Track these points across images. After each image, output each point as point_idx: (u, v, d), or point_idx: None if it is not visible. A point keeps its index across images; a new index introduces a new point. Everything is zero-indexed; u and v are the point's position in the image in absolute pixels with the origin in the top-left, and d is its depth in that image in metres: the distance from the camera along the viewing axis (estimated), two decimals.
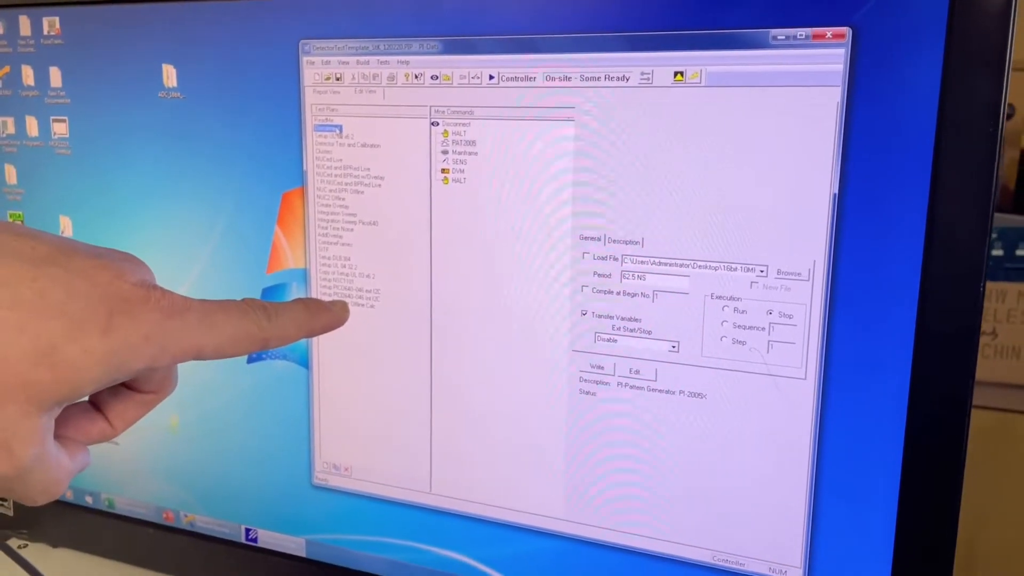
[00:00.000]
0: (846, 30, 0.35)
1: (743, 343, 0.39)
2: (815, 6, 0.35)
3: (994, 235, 0.89)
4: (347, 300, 0.46)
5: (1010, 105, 1.07)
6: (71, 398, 0.25)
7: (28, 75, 0.52)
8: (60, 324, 0.23)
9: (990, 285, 0.86)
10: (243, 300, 0.28)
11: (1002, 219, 0.95)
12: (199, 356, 0.27)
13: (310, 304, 0.30)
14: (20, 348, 0.23)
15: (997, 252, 0.90)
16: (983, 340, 0.87)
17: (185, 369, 0.51)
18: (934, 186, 0.34)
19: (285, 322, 0.29)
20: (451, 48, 0.42)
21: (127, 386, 0.28)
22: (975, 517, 0.76)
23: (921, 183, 0.35)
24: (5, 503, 0.58)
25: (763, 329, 0.38)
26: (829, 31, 0.35)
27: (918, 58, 0.34)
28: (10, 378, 0.23)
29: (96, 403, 0.28)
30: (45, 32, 0.51)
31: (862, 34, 0.35)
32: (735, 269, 0.38)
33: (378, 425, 0.47)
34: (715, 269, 0.38)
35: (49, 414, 0.25)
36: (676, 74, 0.38)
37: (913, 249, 0.35)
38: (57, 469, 0.26)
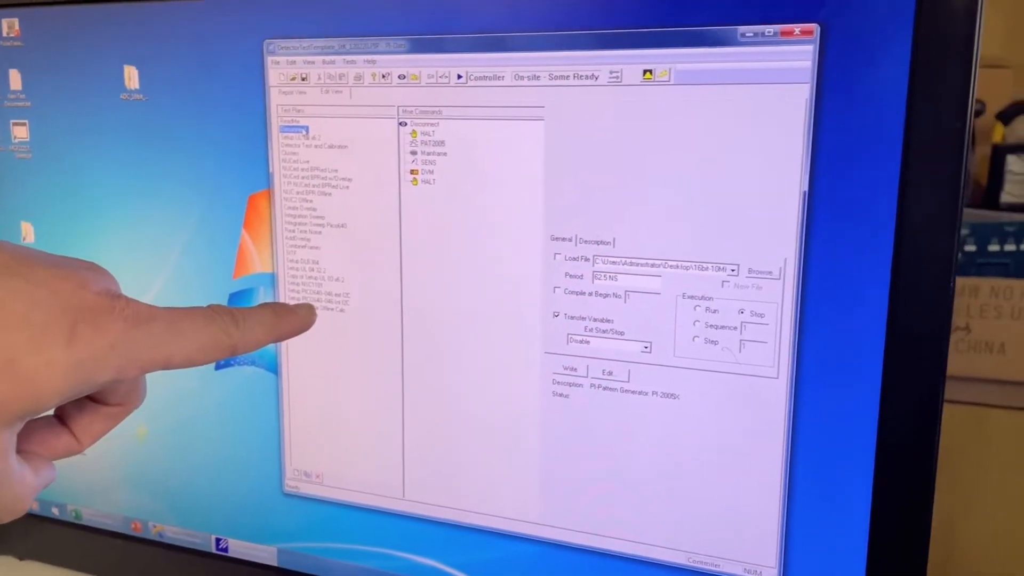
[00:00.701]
0: (814, 27, 0.35)
1: (715, 343, 0.38)
2: (783, 3, 0.35)
3: (966, 231, 0.90)
4: (316, 304, 0.45)
5: (980, 102, 1.09)
6: (34, 412, 0.24)
7: None
8: (21, 336, 0.23)
9: (963, 281, 0.86)
10: (209, 307, 0.28)
11: (974, 215, 0.96)
12: (167, 366, 0.26)
13: (277, 308, 0.30)
14: None
15: (970, 248, 0.91)
16: (956, 335, 0.87)
17: (152, 377, 0.50)
18: (903, 183, 0.34)
19: (253, 327, 0.28)
20: (418, 47, 0.41)
21: (93, 399, 0.27)
22: (951, 510, 0.77)
23: (890, 180, 0.34)
24: None
25: (735, 328, 0.38)
26: (797, 28, 0.35)
27: (886, 54, 0.34)
28: None
29: (61, 417, 0.27)
30: (4, 34, 0.50)
31: (830, 31, 0.35)
32: (706, 268, 0.38)
33: (350, 431, 0.46)
34: (686, 268, 0.38)
35: (11, 429, 0.24)
36: (645, 72, 0.37)
37: (883, 246, 0.35)
38: (21, 485, 0.25)
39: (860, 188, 0.35)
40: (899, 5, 0.33)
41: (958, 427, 0.82)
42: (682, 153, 0.37)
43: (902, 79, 0.34)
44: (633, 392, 0.40)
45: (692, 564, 0.41)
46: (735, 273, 0.37)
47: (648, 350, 0.40)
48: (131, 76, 0.47)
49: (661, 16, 0.37)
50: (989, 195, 1.05)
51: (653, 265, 0.39)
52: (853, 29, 0.34)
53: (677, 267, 0.38)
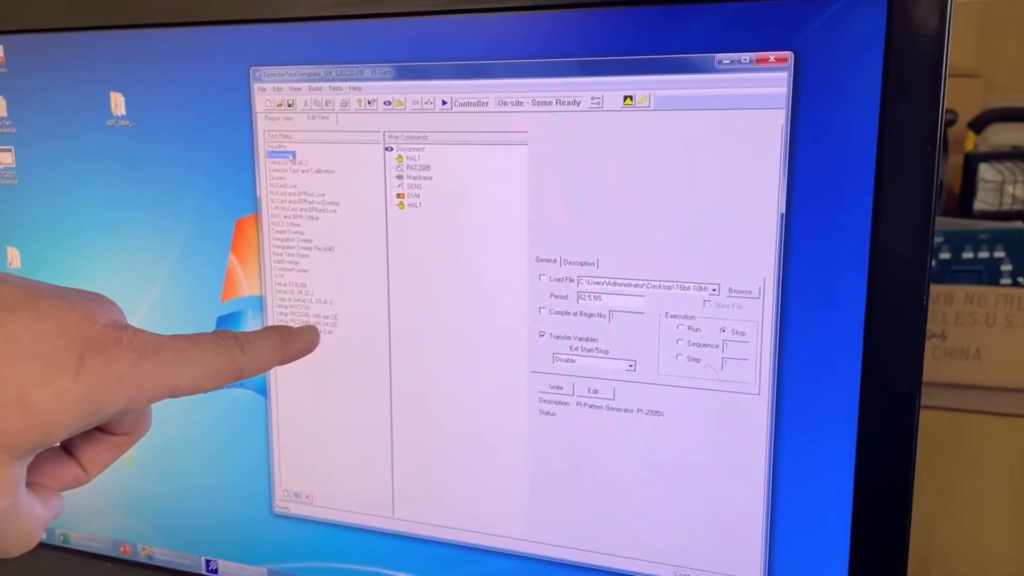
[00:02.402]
0: (788, 54, 0.36)
1: (698, 360, 0.39)
2: (758, 31, 0.36)
3: (941, 239, 0.92)
4: None
5: (952, 111, 1.11)
6: (44, 444, 0.24)
7: None
8: (31, 369, 0.23)
9: (938, 288, 0.88)
10: (215, 332, 0.28)
11: (948, 223, 0.98)
12: (175, 393, 0.26)
13: (282, 332, 0.30)
14: None
15: (944, 255, 0.92)
16: (933, 342, 0.89)
17: None
18: (876, 204, 0.35)
19: (259, 352, 0.29)
20: (404, 74, 0.42)
21: (100, 429, 0.28)
22: (929, 516, 0.78)
23: (864, 201, 0.36)
24: None
25: (717, 346, 0.39)
26: (772, 55, 0.36)
27: (858, 81, 0.35)
28: None
29: (68, 448, 0.28)
30: None
31: (804, 58, 0.36)
32: (688, 288, 0.39)
33: (339, 451, 0.47)
34: (669, 288, 0.39)
35: (21, 462, 0.24)
36: (626, 98, 0.38)
37: (859, 265, 0.36)
38: (31, 519, 0.25)
39: (835, 209, 0.36)
40: (870, 33, 0.35)
41: (936, 433, 0.83)
42: (663, 176, 0.38)
43: (874, 104, 0.35)
44: (618, 409, 0.41)
45: None
46: (716, 293, 0.38)
47: (633, 368, 0.40)
48: (117, 102, 0.48)
49: (641, 44, 0.38)
50: (963, 203, 1.07)
51: (636, 285, 0.40)
52: (826, 57, 0.35)
53: (660, 287, 0.39)
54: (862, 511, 0.38)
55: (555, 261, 0.41)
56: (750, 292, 0.38)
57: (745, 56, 0.36)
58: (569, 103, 0.39)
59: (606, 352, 0.41)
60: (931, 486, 0.78)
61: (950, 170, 1.10)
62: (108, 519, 0.53)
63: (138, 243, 0.49)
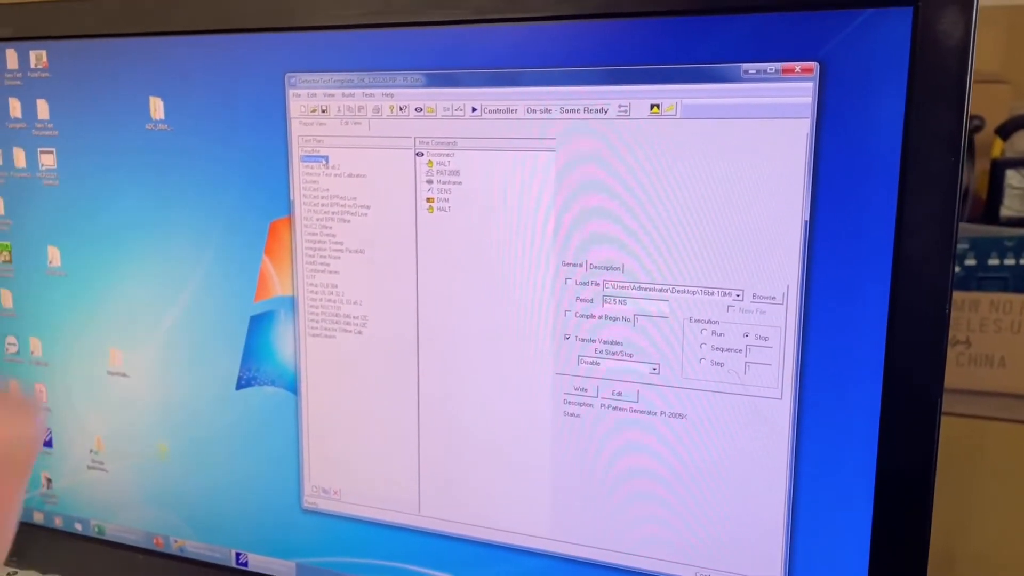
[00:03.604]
0: (814, 65, 0.36)
1: (721, 365, 0.40)
2: (784, 42, 0.37)
3: (966, 245, 0.91)
4: (335, 326, 0.47)
5: (979, 117, 1.10)
6: None
7: (15, 107, 0.53)
8: None
9: (963, 295, 0.87)
10: None
11: (974, 229, 0.97)
12: None
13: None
14: None
15: (970, 262, 0.91)
16: (957, 349, 0.88)
17: (172, 395, 0.52)
18: (900, 212, 0.36)
19: None
20: (434, 81, 0.43)
21: None
22: (951, 522, 0.77)
23: (888, 209, 0.36)
24: None
25: (740, 351, 0.39)
26: (798, 66, 0.37)
27: (883, 91, 0.36)
28: None
29: None
30: (32, 65, 0.52)
31: (829, 68, 0.36)
32: (712, 294, 0.39)
33: (367, 449, 0.48)
34: (693, 294, 0.40)
35: None
36: (652, 107, 0.39)
37: (882, 272, 0.37)
38: None
39: (859, 217, 0.37)
40: (895, 44, 0.35)
41: (958, 440, 0.82)
42: (688, 183, 0.39)
43: (898, 114, 0.35)
44: (642, 412, 0.42)
45: None
46: (740, 298, 0.39)
47: (656, 371, 0.41)
48: (156, 107, 0.49)
49: (668, 54, 0.38)
50: (989, 209, 1.06)
51: (661, 290, 0.40)
52: (851, 67, 0.36)
53: (684, 292, 0.40)
54: (882, 515, 0.38)
55: (581, 265, 0.42)
56: (773, 298, 0.39)
57: (771, 66, 0.37)
58: (597, 111, 0.40)
59: (630, 355, 0.41)
60: (953, 493, 0.77)
61: (976, 176, 1.09)
62: (142, 512, 0.55)
63: (174, 243, 0.50)
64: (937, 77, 0.35)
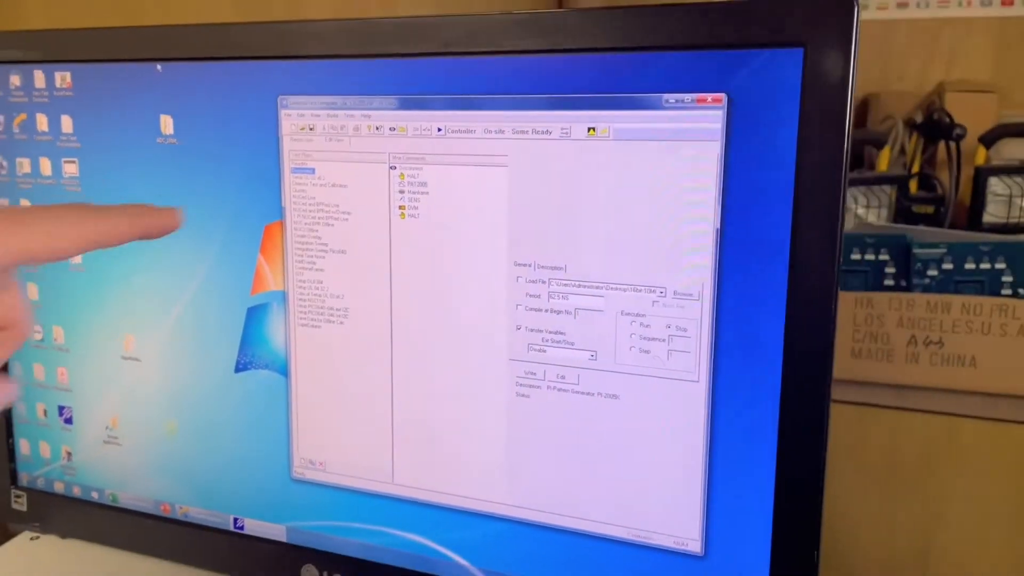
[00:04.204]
0: (723, 95, 0.43)
1: (648, 352, 0.46)
2: (698, 76, 0.43)
3: (943, 250, 0.96)
4: (320, 317, 0.53)
5: (961, 126, 1.15)
6: None
7: (42, 122, 0.59)
8: None
9: (936, 297, 0.92)
10: (72, 204, 0.30)
11: (952, 235, 1.02)
12: (29, 257, 0.28)
13: (143, 206, 0.32)
14: None
15: (947, 266, 0.96)
16: (931, 349, 0.93)
17: (179, 377, 0.58)
18: (795, 220, 0.42)
19: (115, 217, 0.30)
20: (406, 105, 0.49)
21: None
22: (927, 520, 0.81)
23: (784, 218, 0.42)
24: (20, 499, 0.66)
25: (664, 340, 0.46)
26: (709, 96, 0.43)
27: (780, 118, 0.42)
28: None
29: None
30: (57, 85, 0.58)
31: (736, 99, 0.43)
32: (640, 291, 0.46)
33: (347, 425, 0.54)
34: (624, 291, 0.46)
35: None
36: (589, 129, 0.45)
37: (780, 272, 0.43)
38: None
39: (761, 225, 0.43)
40: (789, 80, 0.41)
41: (932, 437, 0.86)
42: (620, 195, 0.45)
43: (792, 137, 0.42)
44: (582, 393, 0.48)
45: (632, 538, 0.48)
46: (663, 295, 0.45)
47: (594, 358, 0.47)
48: (166, 123, 0.56)
49: (602, 85, 0.45)
50: (972, 216, 1.11)
51: (597, 287, 0.47)
52: (754, 98, 0.42)
53: (617, 289, 0.46)
54: (783, 478, 0.45)
55: (530, 265, 0.48)
56: (691, 295, 0.45)
57: (687, 96, 0.43)
58: (543, 132, 0.46)
59: (572, 344, 0.48)
60: (928, 488, 0.81)
61: (961, 183, 1.14)
62: (151, 482, 0.61)
63: (181, 242, 0.57)
64: (823, 106, 0.41)
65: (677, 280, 0.45)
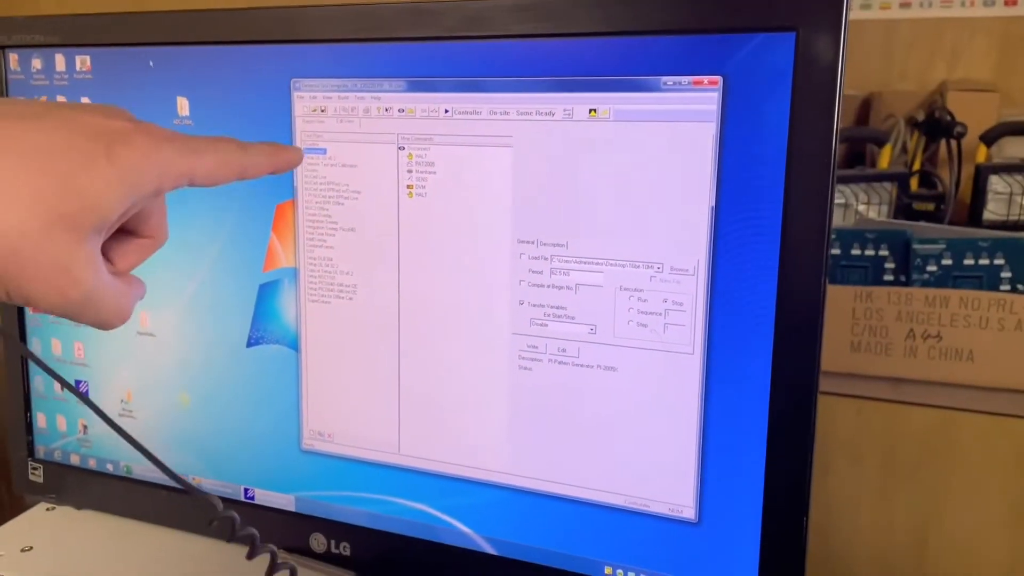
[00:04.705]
0: (719, 78, 0.45)
1: (645, 326, 0.48)
2: (695, 59, 0.45)
3: (943, 246, 0.98)
4: (330, 293, 0.55)
5: (962, 124, 1.16)
6: (102, 223, 0.28)
7: None
8: (72, 162, 0.27)
9: (935, 292, 0.93)
10: (219, 137, 0.33)
11: (952, 231, 1.04)
12: (193, 178, 0.31)
13: (275, 144, 0.36)
14: (49, 187, 0.27)
15: (946, 262, 0.98)
16: (929, 343, 0.95)
17: (193, 352, 0.60)
18: (786, 199, 0.44)
19: (256, 154, 0.34)
20: (415, 87, 0.51)
21: (130, 233, 0.33)
22: (924, 513, 0.83)
23: (776, 197, 0.44)
24: (36, 471, 0.68)
25: (660, 315, 0.48)
26: (706, 79, 0.45)
27: (773, 99, 0.44)
28: (50, 214, 0.27)
29: (107, 253, 0.32)
30: (77, 68, 0.61)
31: (731, 81, 0.44)
32: (638, 267, 0.48)
33: (356, 398, 0.56)
34: (623, 267, 0.48)
35: (91, 241, 0.28)
36: (591, 111, 0.47)
37: (772, 249, 0.45)
38: (120, 294, 0.31)
39: (754, 203, 0.45)
40: (782, 62, 0.43)
41: (930, 429, 0.87)
42: (619, 174, 0.47)
43: (784, 118, 0.43)
44: (582, 366, 0.50)
45: (628, 505, 0.50)
46: (660, 271, 0.47)
47: (593, 332, 0.49)
48: (183, 105, 0.58)
49: (603, 69, 0.47)
50: (972, 213, 1.12)
51: (597, 263, 0.49)
52: (748, 80, 0.44)
53: (615, 265, 0.48)
54: (774, 454, 0.46)
55: (533, 242, 0.50)
56: (687, 270, 0.47)
57: (684, 79, 0.45)
58: (546, 114, 0.48)
59: (572, 318, 0.50)
60: (925, 480, 0.82)
61: (962, 181, 1.15)
62: (165, 453, 0.63)
63: (197, 221, 0.59)
64: (814, 88, 0.43)
65: (674, 256, 0.47)
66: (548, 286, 0.50)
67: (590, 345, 0.49)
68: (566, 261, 0.49)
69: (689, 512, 0.49)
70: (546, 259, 0.50)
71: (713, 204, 0.46)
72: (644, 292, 0.48)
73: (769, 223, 0.45)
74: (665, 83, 0.46)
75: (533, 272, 0.50)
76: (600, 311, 0.49)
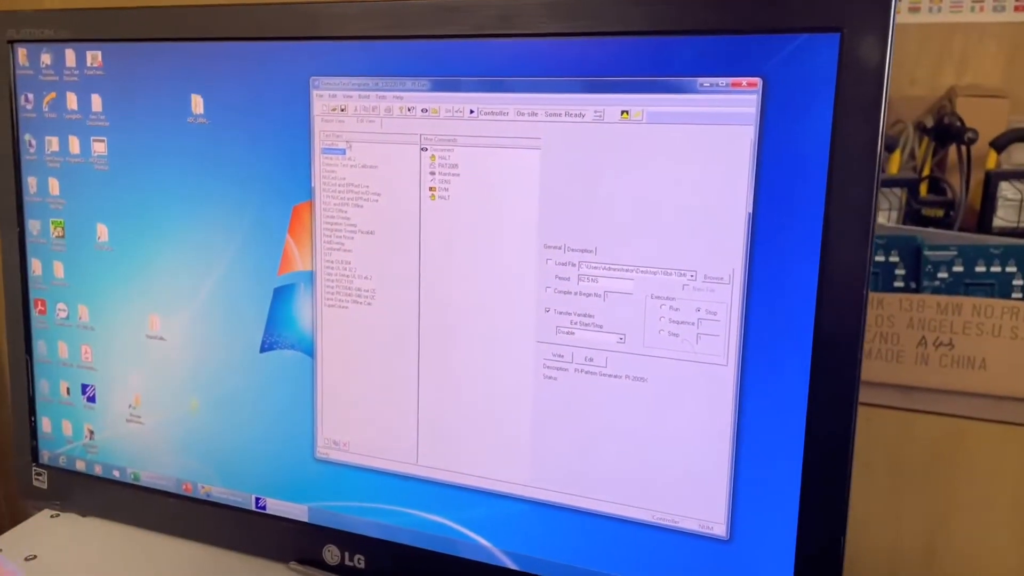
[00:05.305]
0: (758, 80, 0.43)
1: (677, 335, 0.46)
2: (733, 60, 0.43)
3: (954, 252, 0.96)
4: (348, 298, 0.54)
5: (973, 130, 1.15)
6: None
7: (72, 100, 0.60)
8: None
9: (947, 299, 0.92)
10: None
11: (964, 237, 1.02)
12: None
13: None
14: None
15: (957, 269, 0.97)
16: (941, 351, 0.94)
17: (204, 357, 0.59)
18: (827, 207, 0.42)
19: None
20: (439, 87, 0.50)
21: None
22: (932, 519, 0.81)
23: (817, 205, 0.43)
24: (40, 477, 0.66)
25: (693, 324, 0.46)
26: (744, 80, 0.43)
27: (815, 103, 0.42)
28: None
29: None
30: (88, 64, 0.59)
31: (771, 83, 0.43)
32: (671, 274, 0.46)
33: (372, 406, 0.55)
34: (654, 274, 0.46)
35: None
36: (623, 112, 0.46)
37: (811, 259, 0.43)
38: None
39: (793, 211, 0.43)
40: (825, 65, 0.42)
41: (941, 438, 0.86)
42: (652, 178, 0.46)
43: (827, 124, 0.42)
44: (610, 376, 0.48)
45: (656, 520, 0.49)
46: (694, 278, 0.46)
47: (622, 341, 0.48)
48: (197, 103, 0.56)
49: (637, 68, 0.45)
50: (982, 219, 1.11)
51: (627, 270, 0.47)
52: (789, 82, 0.43)
53: (647, 272, 0.47)
54: (810, 471, 0.45)
55: (560, 248, 0.48)
56: (721, 279, 0.45)
57: (722, 80, 0.44)
58: (576, 115, 0.47)
59: (600, 326, 0.48)
60: (935, 489, 0.81)
61: (972, 187, 1.14)
62: (173, 460, 0.62)
63: (210, 223, 0.57)
64: (858, 92, 0.41)
65: (708, 264, 0.45)
66: (575, 293, 0.48)
67: (619, 355, 0.48)
68: (594, 267, 0.48)
69: (720, 529, 0.47)
70: (574, 265, 0.48)
71: (750, 211, 0.44)
72: (676, 300, 0.46)
73: (809, 231, 0.43)
74: (702, 84, 0.44)
75: (560, 278, 0.48)
76: (630, 320, 0.47)
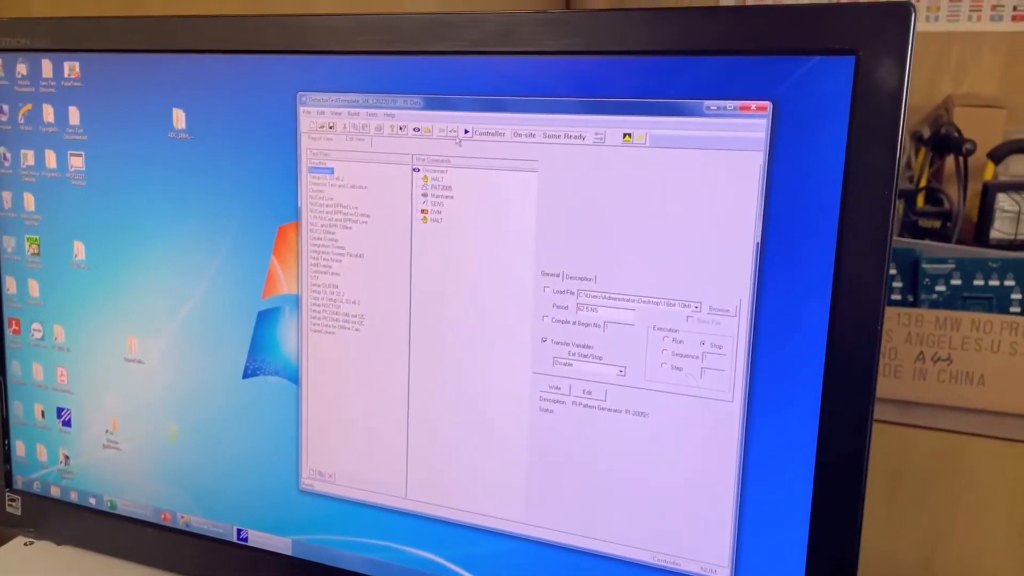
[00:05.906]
0: (768, 103, 0.41)
1: (680, 369, 0.44)
2: (742, 82, 0.41)
3: (952, 266, 0.95)
4: (335, 323, 0.51)
5: (971, 141, 1.14)
6: None
7: (48, 113, 0.57)
8: None
9: (946, 314, 0.91)
10: None
11: (962, 250, 1.01)
12: None
13: None
14: None
15: (955, 282, 0.95)
16: (939, 366, 0.92)
17: (184, 381, 0.56)
18: (840, 238, 0.40)
19: None
20: (432, 105, 0.47)
21: None
22: (931, 535, 0.80)
23: (829, 235, 0.40)
24: (14, 503, 0.63)
25: (697, 357, 0.44)
26: (754, 104, 0.41)
27: (828, 129, 0.40)
28: None
29: None
30: (66, 75, 0.56)
31: (781, 107, 0.41)
32: (674, 305, 0.44)
33: (360, 436, 0.52)
34: (657, 304, 0.44)
35: None
36: (625, 135, 0.44)
37: (823, 291, 0.41)
38: None
39: (804, 241, 0.41)
40: (839, 89, 0.40)
41: (939, 453, 0.85)
42: (655, 205, 0.43)
43: (840, 150, 0.40)
44: (609, 410, 0.46)
45: (656, 562, 0.46)
46: (698, 310, 0.43)
47: (623, 374, 0.45)
48: (179, 117, 0.54)
49: (640, 89, 0.43)
50: (979, 231, 1.10)
51: (628, 300, 0.45)
52: (801, 107, 0.40)
53: (649, 302, 0.44)
54: (819, 515, 0.43)
55: (558, 275, 0.46)
56: (727, 311, 0.43)
57: (730, 103, 0.41)
58: (576, 137, 0.44)
59: (600, 358, 0.46)
60: (934, 504, 0.80)
61: (969, 199, 1.13)
62: (151, 489, 0.59)
63: (191, 242, 0.54)
64: (874, 118, 0.39)
65: (713, 295, 0.43)
66: (574, 323, 0.46)
67: (619, 388, 0.46)
68: (594, 296, 0.45)
69: (724, 572, 0.45)
70: (572, 293, 0.46)
71: (759, 240, 0.42)
72: (680, 333, 0.44)
73: (821, 263, 0.41)
74: (708, 107, 0.42)
75: (558, 307, 0.46)
76: (631, 352, 0.45)
